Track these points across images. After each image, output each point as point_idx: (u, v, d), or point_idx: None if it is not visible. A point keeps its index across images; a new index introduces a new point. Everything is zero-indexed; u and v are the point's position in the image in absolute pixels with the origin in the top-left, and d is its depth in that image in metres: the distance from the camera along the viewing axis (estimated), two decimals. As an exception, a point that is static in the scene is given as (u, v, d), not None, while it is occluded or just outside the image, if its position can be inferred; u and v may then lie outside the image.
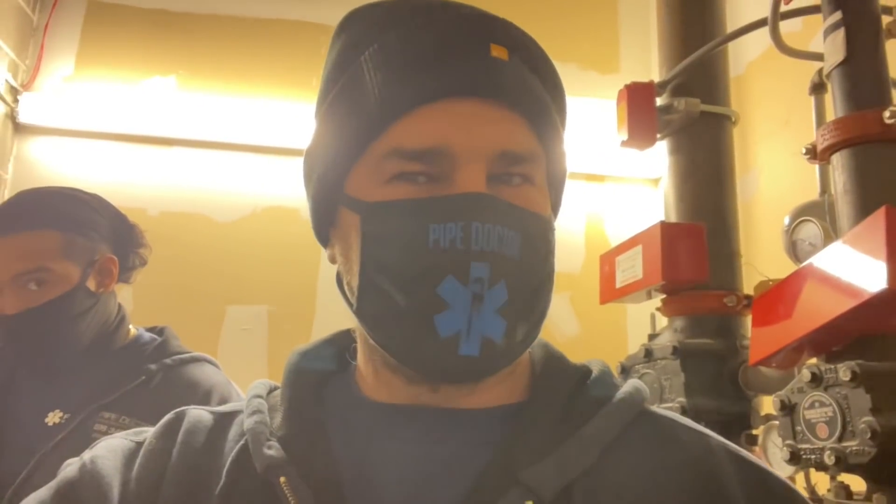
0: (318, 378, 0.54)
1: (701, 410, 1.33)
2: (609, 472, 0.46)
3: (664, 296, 1.56)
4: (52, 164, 2.47)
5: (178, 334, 1.25)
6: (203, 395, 1.10)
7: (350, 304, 0.50)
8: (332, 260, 0.54)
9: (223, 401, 1.10)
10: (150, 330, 1.23)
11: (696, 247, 1.46)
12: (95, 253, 1.10)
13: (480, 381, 0.47)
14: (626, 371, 1.53)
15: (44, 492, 0.49)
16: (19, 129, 2.47)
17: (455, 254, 0.44)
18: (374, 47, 0.50)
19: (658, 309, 1.62)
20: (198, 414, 0.53)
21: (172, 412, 0.53)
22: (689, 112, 1.55)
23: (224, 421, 0.52)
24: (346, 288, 0.51)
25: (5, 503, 0.95)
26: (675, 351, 1.39)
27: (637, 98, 1.60)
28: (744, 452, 0.51)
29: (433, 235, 0.45)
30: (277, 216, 2.47)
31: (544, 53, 0.55)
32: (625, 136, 1.60)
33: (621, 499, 0.46)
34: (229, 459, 0.48)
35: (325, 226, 0.53)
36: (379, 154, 0.48)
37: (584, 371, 0.54)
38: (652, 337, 1.58)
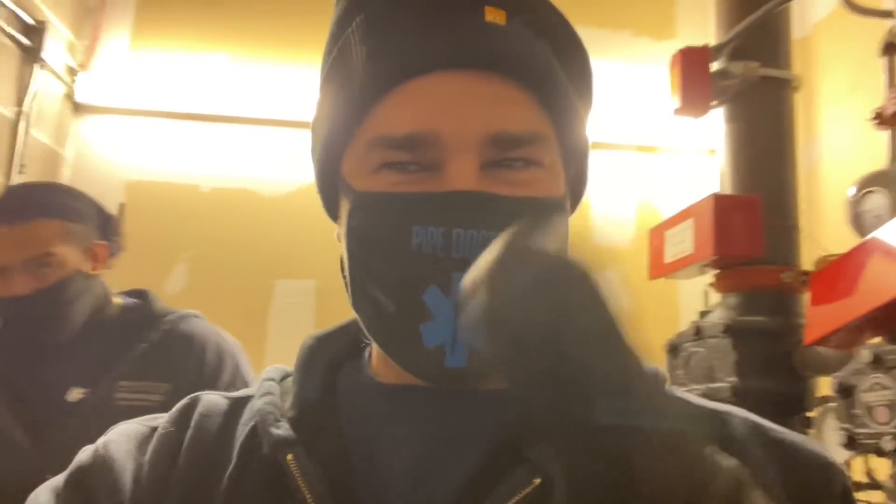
0: (331, 362, 0.52)
1: (752, 391, 1.27)
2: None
3: (717, 271, 1.50)
4: (108, 143, 2.54)
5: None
6: (200, 347, 1.21)
7: (348, 295, 0.48)
8: (339, 239, 0.51)
9: (220, 348, 1.23)
10: (130, 294, 1.32)
11: (751, 220, 1.38)
12: (89, 239, 1.22)
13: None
14: (674, 349, 1.47)
15: (59, 478, 0.49)
16: (77, 108, 2.54)
17: (437, 262, 0.42)
18: (361, 17, 0.46)
19: (710, 285, 1.56)
20: (212, 399, 0.52)
21: (187, 397, 0.52)
22: (748, 77, 1.46)
23: (238, 405, 0.51)
24: (345, 275, 0.48)
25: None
26: (727, 329, 1.33)
27: (691, 63, 1.52)
28: (771, 426, 0.47)
29: (416, 239, 0.42)
30: (325, 191, 2.48)
31: (557, 13, 0.49)
32: (677, 104, 1.52)
33: None
34: (239, 441, 0.47)
35: (332, 204, 0.51)
36: (365, 140, 0.45)
37: None
38: (703, 314, 1.52)
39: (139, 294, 1.31)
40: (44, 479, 0.89)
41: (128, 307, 1.27)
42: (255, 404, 0.49)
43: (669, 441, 0.42)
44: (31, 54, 2.24)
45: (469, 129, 0.43)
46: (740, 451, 0.44)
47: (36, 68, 2.26)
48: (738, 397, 1.27)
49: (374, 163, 0.44)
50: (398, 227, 0.42)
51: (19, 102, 2.22)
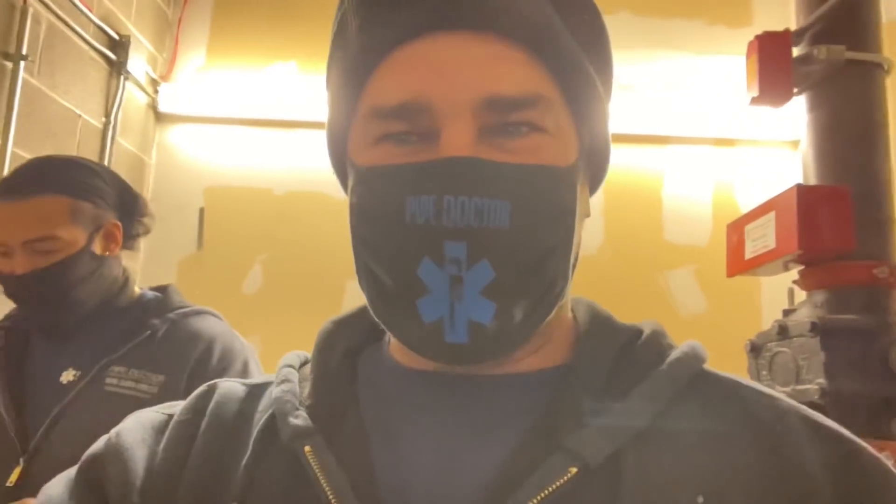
0: (350, 347, 0.50)
1: (844, 394, 1.20)
2: (663, 438, 0.41)
3: (802, 267, 1.43)
4: (188, 150, 2.65)
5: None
6: (206, 346, 1.12)
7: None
8: None
9: (226, 350, 1.14)
10: (154, 289, 1.26)
11: (840, 212, 1.31)
12: (101, 218, 1.13)
13: (484, 363, 0.42)
14: (756, 349, 1.41)
15: (72, 469, 0.48)
16: (160, 117, 2.66)
17: (428, 231, 0.39)
18: None
19: (795, 282, 1.48)
20: (229, 386, 0.51)
21: (205, 385, 0.51)
22: (832, 61, 1.38)
23: (255, 392, 0.50)
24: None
25: (27, 457, 1.01)
26: (814, 327, 1.26)
27: (770, 49, 1.45)
28: (826, 421, 0.43)
29: (410, 209, 0.40)
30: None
31: None
32: (755, 93, 1.46)
33: (678, 466, 0.40)
34: (256, 430, 0.46)
35: (346, 183, 0.49)
36: (364, 113, 0.44)
37: (635, 332, 0.47)
38: (787, 312, 1.45)
39: (162, 288, 1.25)
40: (16, 461, 0.92)
41: (143, 296, 1.21)
42: (273, 392, 0.48)
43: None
44: (116, 68, 2.36)
45: (461, 93, 0.40)
46: (786, 430, 0.41)
47: (121, 80, 2.38)
48: (828, 399, 1.20)
49: (373, 135, 0.43)
50: (393, 198, 0.41)
51: (107, 113, 2.34)
